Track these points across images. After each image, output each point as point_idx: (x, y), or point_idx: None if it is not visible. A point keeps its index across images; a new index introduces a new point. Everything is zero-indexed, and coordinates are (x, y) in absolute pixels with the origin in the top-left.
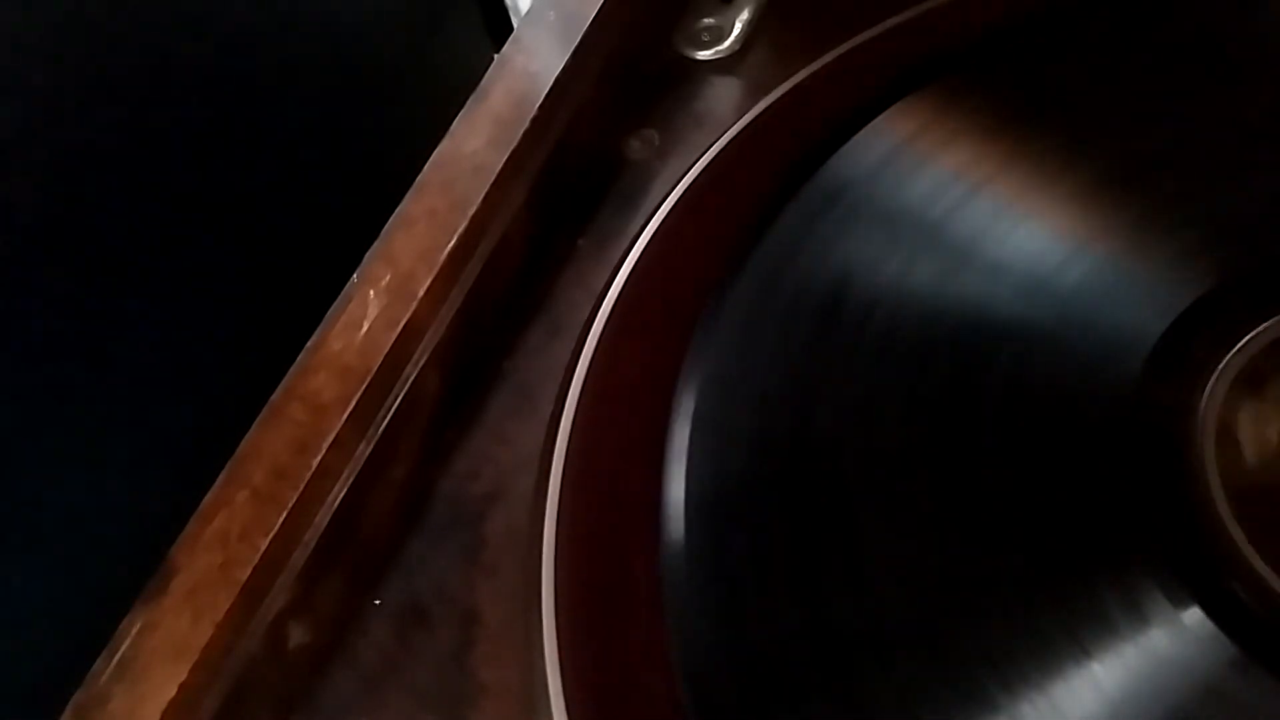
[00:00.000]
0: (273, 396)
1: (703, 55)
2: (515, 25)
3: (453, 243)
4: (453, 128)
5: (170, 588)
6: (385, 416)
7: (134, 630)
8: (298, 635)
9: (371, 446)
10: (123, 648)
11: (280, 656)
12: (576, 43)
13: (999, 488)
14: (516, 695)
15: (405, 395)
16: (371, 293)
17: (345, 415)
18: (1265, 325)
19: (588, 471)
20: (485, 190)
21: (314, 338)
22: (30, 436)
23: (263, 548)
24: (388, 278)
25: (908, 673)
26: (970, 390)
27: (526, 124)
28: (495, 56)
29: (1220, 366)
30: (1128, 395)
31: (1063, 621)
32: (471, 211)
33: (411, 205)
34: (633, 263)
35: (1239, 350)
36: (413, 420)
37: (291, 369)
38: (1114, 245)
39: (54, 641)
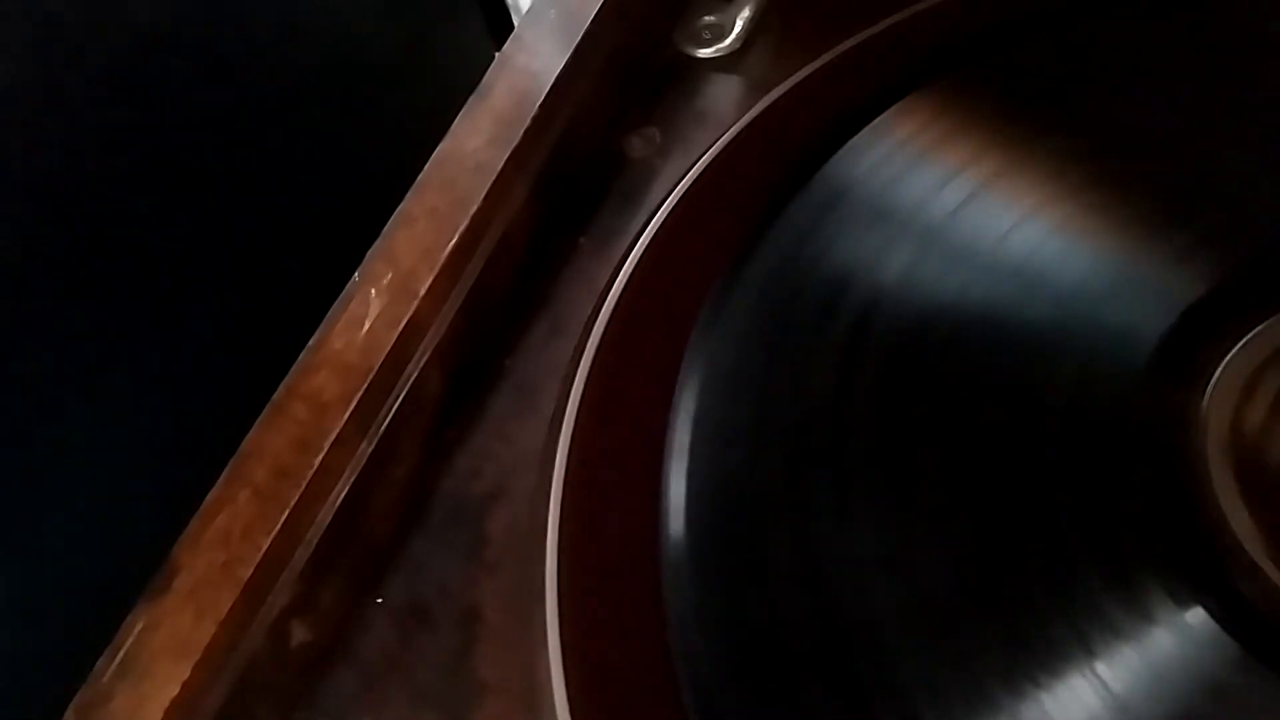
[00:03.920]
0: (275, 395)
1: (704, 53)
2: (516, 23)
3: (454, 241)
4: (454, 126)
5: (173, 586)
6: (387, 415)
7: (136, 629)
8: (300, 634)
9: (373, 445)
10: (125, 646)
11: (282, 655)
12: (578, 41)
13: (1000, 486)
14: (518, 694)
15: (407, 394)
16: (373, 291)
17: (347, 414)
18: (1267, 324)
19: (589, 470)
20: (486, 188)
21: (315, 336)
22: (32, 436)
23: (265, 546)
24: (389, 276)
25: (909, 671)
26: (970, 389)
27: (528, 122)
28: (496, 55)
29: (1222, 365)
30: (1129, 394)
31: (1065, 620)
32: (473, 210)
33: (413, 204)
34: (634, 261)
35: (1240, 349)
36: (414, 419)
37: (293, 368)
38: (1114, 244)
39: (56, 640)
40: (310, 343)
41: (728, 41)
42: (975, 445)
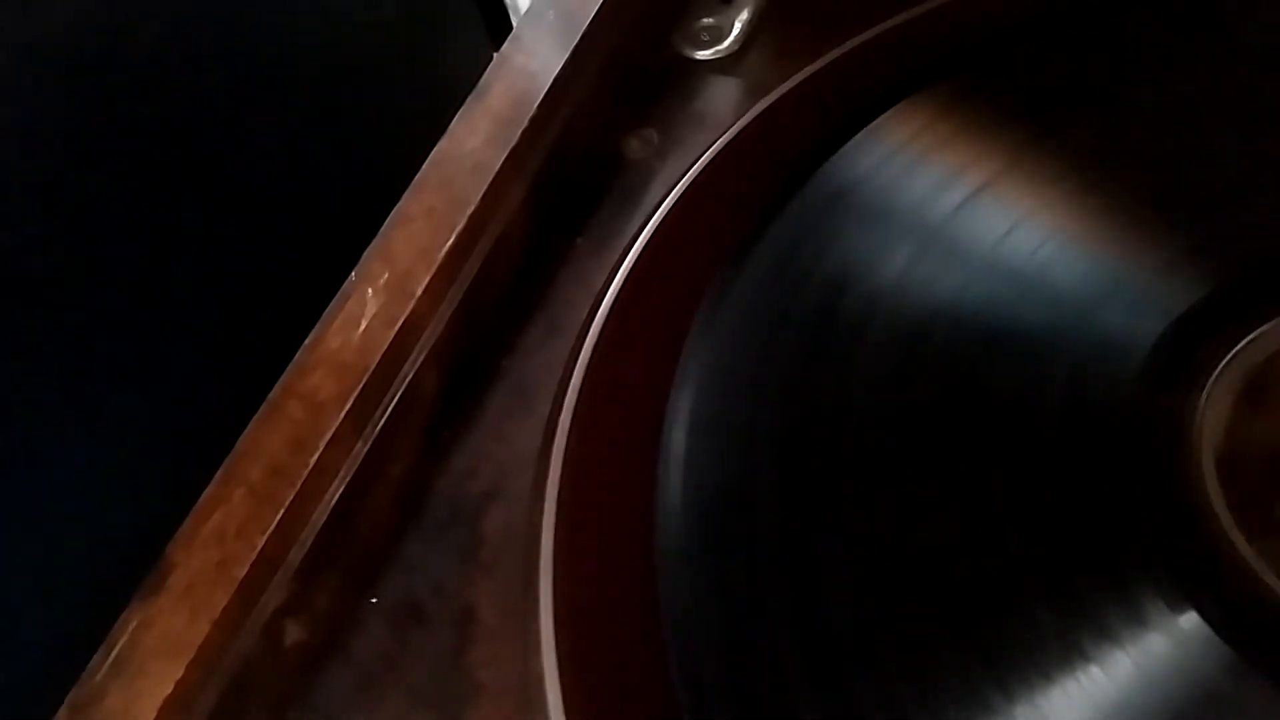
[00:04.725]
0: (271, 394)
1: (702, 55)
2: (515, 24)
3: (451, 241)
4: (451, 126)
5: (167, 585)
6: (383, 414)
7: (130, 627)
8: (294, 633)
9: (369, 444)
10: (119, 644)
11: (277, 654)
12: (576, 42)
13: (995, 490)
14: (514, 694)
15: (403, 393)
16: (370, 291)
17: (343, 413)
18: (1264, 328)
19: (585, 470)
20: (484, 189)
21: (312, 335)
22: (27, 433)
23: (260, 545)
24: (386, 276)
25: (903, 675)
26: (967, 392)
27: (525, 123)
28: (495, 55)
29: (1219, 368)
30: (1125, 397)
31: (1059, 625)
32: (470, 210)
33: (410, 203)
34: (631, 262)
35: (1238, 352)
36: (410, 418)
37: (289, 367)
38: (1111, 248)
39: (50, 638)
40: (307, 341)
41: (726, 44)
42: (970, 448)
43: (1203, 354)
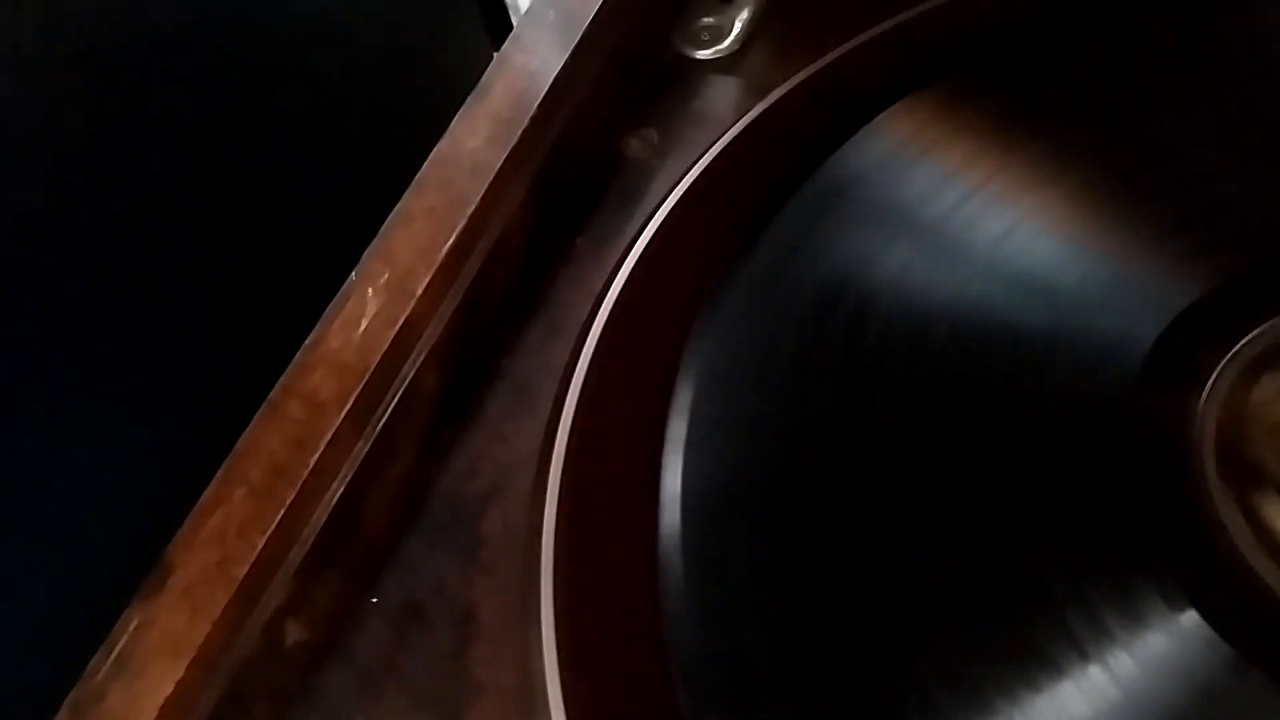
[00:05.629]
0: (271, 394)
1: (702, 55)
2: (515, 23)
3: (451, 241)
4: (452, 126)
5: (167, 585)
6: (383, 414)
7: (131, 627)
8: (295, 633)
9: (369, 444)
10: (120, 645)
11: (277, 654)
12: (576, 41)
13: (996, 489)
14: (514, 694)
15: (403, 393)
16: (370, 290)
17: (343, 413)
18: (1263, 327)
19: (586, 470)
20: (484, 188)
21: (312, 335)
22: (28, 433)
23: (260, 545)
24: (386, 275)
25: (902, 674)
26: (967, 391)
27: (526, 122)
28: (495, 55)
29: (1218, 368)
30: (1125, 397)
31: (1059, 625)
32: (470, 210)
33: (410, 203)
34: (632, 262)
35: (1237, 352)
36: (411, 418)
37: (290, 366)
38: (1112, 246)
39: (51, 638)
40: (307, 341)
41: (726, 43)
42: (970, 447)
43: (1203, 353)
